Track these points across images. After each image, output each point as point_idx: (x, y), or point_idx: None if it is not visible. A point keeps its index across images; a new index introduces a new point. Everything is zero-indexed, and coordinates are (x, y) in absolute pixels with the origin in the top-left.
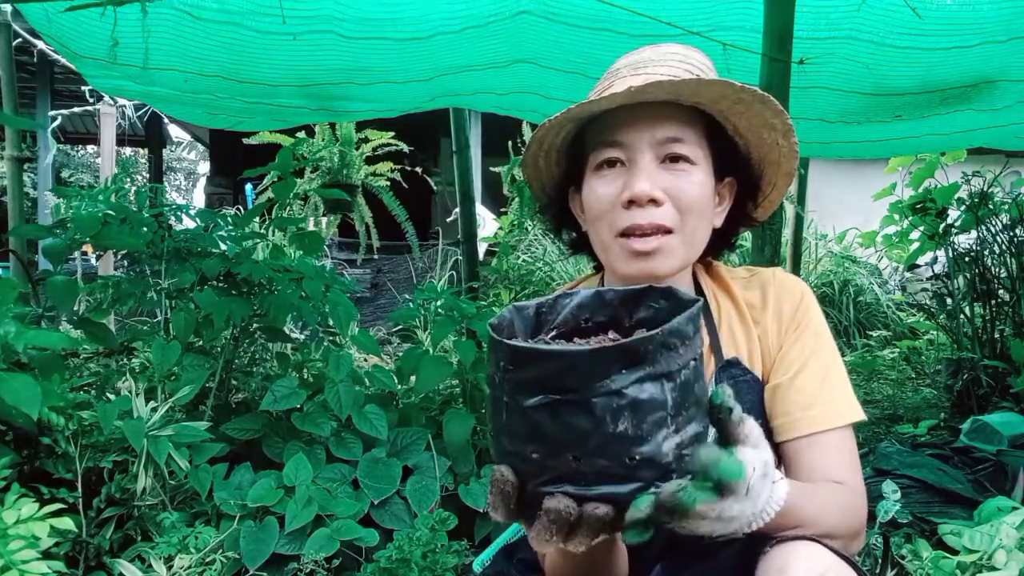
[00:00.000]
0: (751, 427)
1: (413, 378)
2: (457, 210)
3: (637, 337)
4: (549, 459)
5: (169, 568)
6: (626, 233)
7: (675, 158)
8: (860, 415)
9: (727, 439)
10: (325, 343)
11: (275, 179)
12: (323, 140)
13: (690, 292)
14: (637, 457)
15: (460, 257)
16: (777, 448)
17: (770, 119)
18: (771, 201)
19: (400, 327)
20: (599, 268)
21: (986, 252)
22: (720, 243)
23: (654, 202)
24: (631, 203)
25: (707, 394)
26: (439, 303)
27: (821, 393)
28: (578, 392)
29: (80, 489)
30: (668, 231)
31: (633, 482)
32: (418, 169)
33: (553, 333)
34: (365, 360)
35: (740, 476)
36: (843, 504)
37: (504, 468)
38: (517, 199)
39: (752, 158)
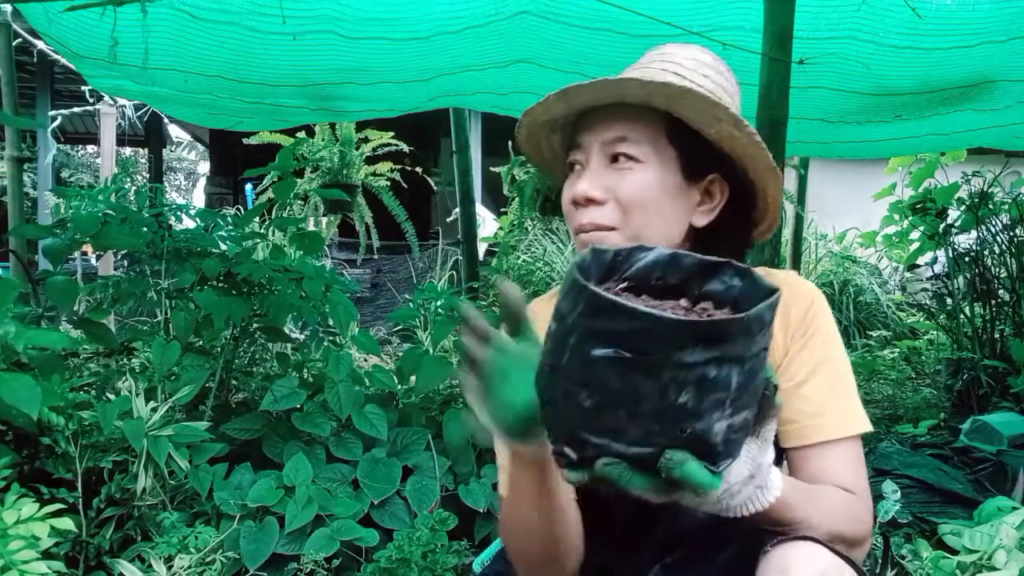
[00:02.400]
0: (772, 425)
1: (413, 378)
2: (457, 210)
3: (725, 317)
4: (601, 410)
5: (169, 568)
6: (579, 230)
7: (617, 156)
8: (868, 426)
9: (759, 420)
10: (325, 343)
11: (275, 179)
12: (323, 140)
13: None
14: (688, 431)
15: (460, 257)
16: (782, 452)
17: (710, 110)
18: (768, 203)
19: (400, 327)
20: None
21: (986, 252)
22: (715, 244)
23: (593, 201)
24: (575, 203)
25: (763, 383)
26: (439, 303)
27: (831, 402)
28: (651, 356)
29: (80, 489)
30: (610, 229)
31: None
32: (418, 169)
33: (623, 285)
34: (365, 360)
35: (710, 486)
36: (849, 511)
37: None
38: (517, 199)
39: (726, 152)
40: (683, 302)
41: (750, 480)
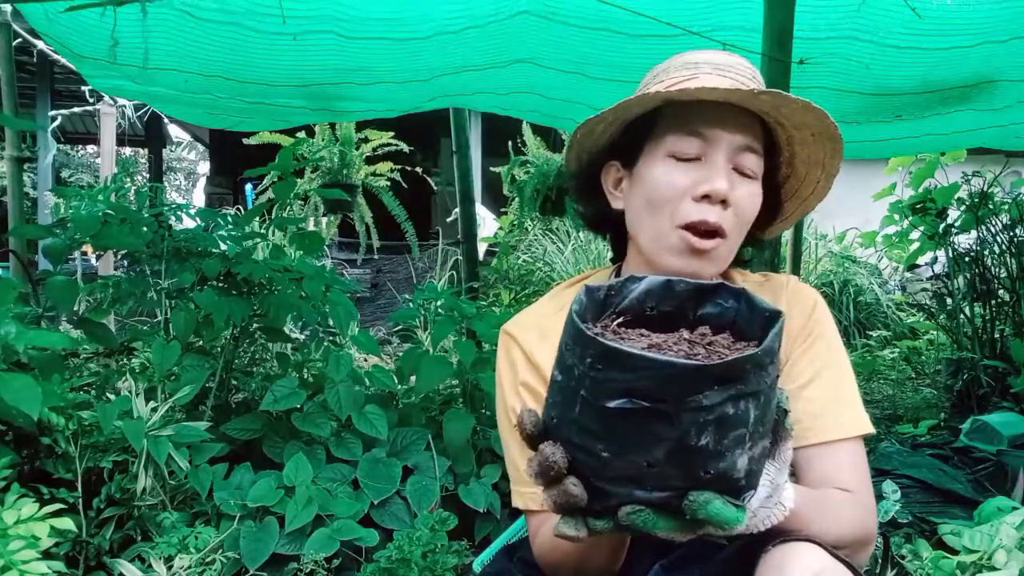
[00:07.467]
0: (789, 445)
1: (413, 378)
2: (457, 210)
3: (738, 356)
4: (619, 460)
5: (169, 568)
6: (691, 226)
7: (745, 167)
8: (870, 428)
9: (774, 443)
10: (325, 343)
11: (275, 179)
12: (323, 140)
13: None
14: (712, 472)
15: (460, 257)
16: None
17: (825, 159)
18: (779, 227)
19: (400, 327)
20: (616, 259)
21: (986, 252)
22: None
23: (724, 203)
24: (705, 197)
25: (776, 409)
26: (439, 303)
27: (834, 404)
28: (667, 404)
29: (80, 489)
30: (724, 236)
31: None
32: (418, 169)
33: (618, 320)
34: (365, 360)
35: (735, 522)
36: (852, 515)
37: (557, 451)
38: (517, 199)
39: (784, 188)
40: (684, 333)
41: (767, 499)
